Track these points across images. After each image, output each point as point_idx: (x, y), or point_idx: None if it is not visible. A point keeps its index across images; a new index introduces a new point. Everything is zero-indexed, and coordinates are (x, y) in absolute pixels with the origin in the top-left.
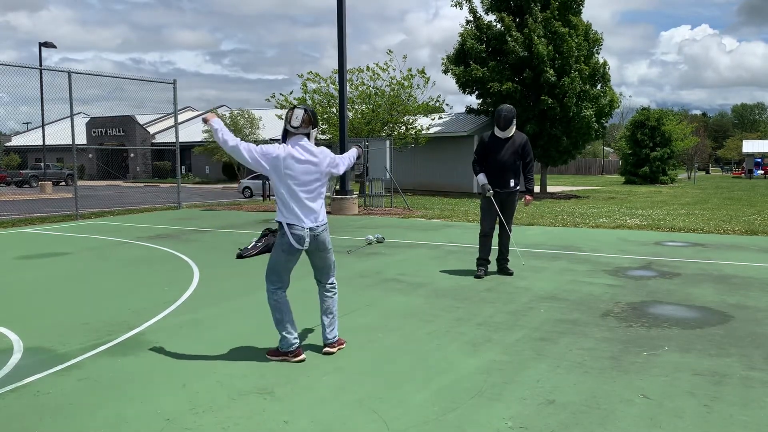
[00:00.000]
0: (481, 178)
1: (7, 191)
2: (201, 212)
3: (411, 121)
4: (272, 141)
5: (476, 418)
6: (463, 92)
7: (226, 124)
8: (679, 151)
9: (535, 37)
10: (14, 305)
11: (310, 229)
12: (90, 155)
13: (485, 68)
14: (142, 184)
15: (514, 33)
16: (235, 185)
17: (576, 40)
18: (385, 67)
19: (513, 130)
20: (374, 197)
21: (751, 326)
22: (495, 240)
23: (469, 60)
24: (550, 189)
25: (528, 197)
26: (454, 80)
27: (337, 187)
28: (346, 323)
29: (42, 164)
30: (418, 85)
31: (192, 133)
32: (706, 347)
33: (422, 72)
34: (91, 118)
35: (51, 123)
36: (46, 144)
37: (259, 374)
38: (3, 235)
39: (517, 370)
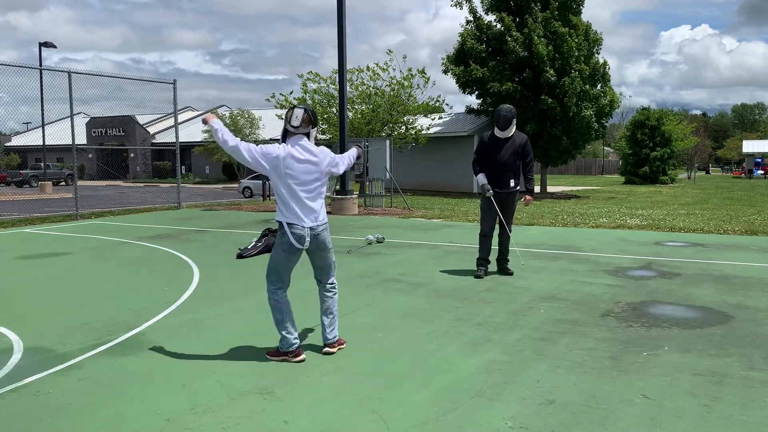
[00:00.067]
0: (481, 178)
1: (7, 191)
2: (201, 212)
3: (411, 121)
4: (272, 141)
5: (476, 418)
6: (463, 92)
7: (226, 124)
8: (679, 151)
9: (535, 37)
10: (14, 305)
11: (311, 228)
12: (90, 155)
13: (485, 68)
14: (142, 184)
15: (514, 33)
16: (235, 185)
17: (576, 40)
18: (385, 67)
19: (513, 130)
20: (374, 197)
21: (751, 326)
22: (495, 240)
23: (469, 60)
24: (550, 189)
25: (528, 197)
26: (454, 80)
27: (337, 187)
28: (346, 323)
29: (42, 164)
30: (418, 85)
31: (192, 133)
32: (706, 347)
33: (422, 72)
34: (91, 118)
35: (51, 123)
36: (46, 144)
37: (259, 374)
38: (3, 235)
39: (517, 370)
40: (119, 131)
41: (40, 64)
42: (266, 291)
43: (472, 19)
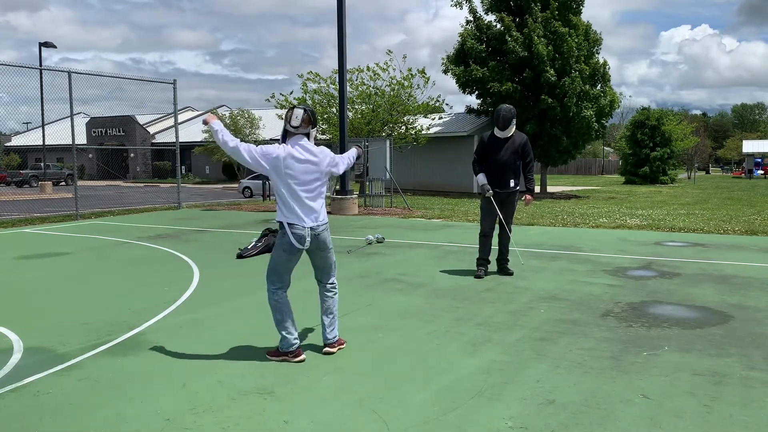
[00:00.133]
0: (481, 178)
1: (7, 191)
2: (201, 212)
3: (411, 121)
4: (272, 141)
5: (476, 418)
6: (463, 92)
7: (226, 124)
8: (679, 151)
9: (535, 37)
10: (14, 305)
11: (311, 228)
12: (90, 155)
13: (485, 68)
14: (142, 184)
15: (514, 33)
16: (235, 185)
17: (576, 40)
18: (385, 67)
19: (513, 130)
20: (374, 197)
21: (751, 326)
22: (495, 240)
23: (469, 60)
24: (550, 189)
25: (528, 197)
26: (454, 80)
27: (337, 187)
28: (346, 323)
29: (42, 164)
30: (418, 85)
31: (192, 133)
32: (706, 347)
33: (422, 72)
34: (91, 118)
35: (51, 123)
36: (46, 144)
37: (259, 374)
38: (3, 235)
39: (517, 370)
40: (119, 131)
41: (40, 64)
42: (266, 291)
43: (472, 19)
